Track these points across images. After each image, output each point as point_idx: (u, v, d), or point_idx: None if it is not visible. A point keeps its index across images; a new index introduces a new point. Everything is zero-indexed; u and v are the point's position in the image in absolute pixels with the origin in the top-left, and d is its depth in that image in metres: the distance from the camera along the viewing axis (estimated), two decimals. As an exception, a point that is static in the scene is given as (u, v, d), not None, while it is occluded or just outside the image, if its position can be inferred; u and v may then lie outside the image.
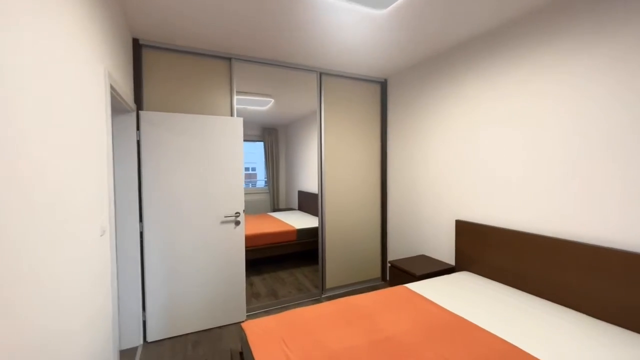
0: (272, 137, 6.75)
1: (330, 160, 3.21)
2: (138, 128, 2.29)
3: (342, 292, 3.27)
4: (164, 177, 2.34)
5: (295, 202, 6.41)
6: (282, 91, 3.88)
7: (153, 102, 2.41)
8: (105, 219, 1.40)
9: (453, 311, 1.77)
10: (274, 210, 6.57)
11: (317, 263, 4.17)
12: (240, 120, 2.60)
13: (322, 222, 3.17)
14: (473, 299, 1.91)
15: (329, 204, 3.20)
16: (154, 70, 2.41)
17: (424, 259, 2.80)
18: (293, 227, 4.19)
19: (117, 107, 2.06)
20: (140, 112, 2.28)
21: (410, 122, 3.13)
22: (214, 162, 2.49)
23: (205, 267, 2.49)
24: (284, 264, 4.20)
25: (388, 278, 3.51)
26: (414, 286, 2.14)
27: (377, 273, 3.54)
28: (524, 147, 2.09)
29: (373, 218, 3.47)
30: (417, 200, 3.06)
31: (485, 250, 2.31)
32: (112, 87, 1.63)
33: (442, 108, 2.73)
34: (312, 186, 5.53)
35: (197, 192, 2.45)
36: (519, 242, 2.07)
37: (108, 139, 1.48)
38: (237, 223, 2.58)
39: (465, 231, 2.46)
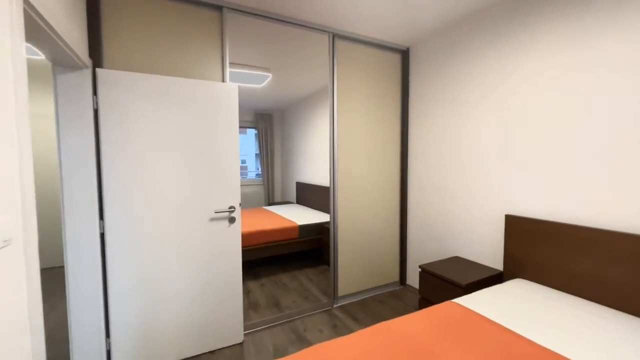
0: (266, 123, 6.13)
1: (344, 145, 2.66)
2: (95, 92, 1.68)
3: (356, 299, 2.76)
4: (133, 159, 1.75)
5: (292, 194, 5.84)
6: (283, 63, 3.29)
7: (117, 60, 1.79)
8: (11, 221, 0.82)
9: (537, 341, 1.27)
10: (270, 203, 5.99)
11: (322, 264, 3.66)
12: (235, 87, 2.01)
13: (334, 218, 2.64)
14: (554, 321, 1.43)
15: (342, 197, 2.67)
16: (117, 17, 1.79)
17: (459, 262, 2.30)
18: (294, 223, 3.65)
19: (60, 59, 1.45)
20: (98, 71, 1.67)
21: (439, 99, 2.61)
22: (201, 141, 1.91)
23: (190, 277, 1.92)
24: (285, 265, 3.66)
25: (407, 281, 3.02)
26: (466, 302, 1.64)
27: (395, 276, 3.04)
28: (603, 124, 1.59)
29: (391, 213, 2.96)
30: (448, 191, 2.55)
31: (548, 252, 1.83)
32: (37, 13, 1.03)
33: (480, 81, 2.21)
34: (312, 177, 4.97)
35: (179, 180, 1.86)
36: (600, 243, 1.59)
37: (20, 93, 0.89)
38: (232, 220, 2.01)
39: (519, 229, 1.98)
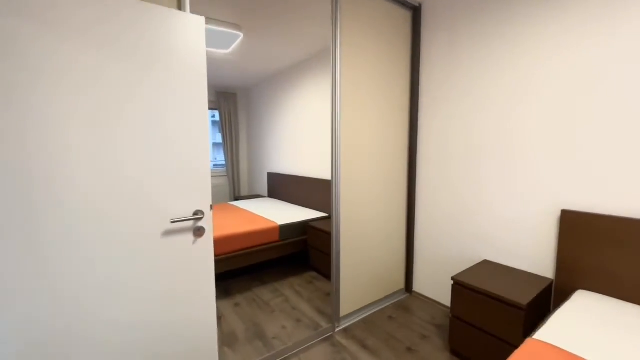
0: (230, 103, 5.22)
1: (348, 128, 2.03)
2: None
3: (361, 317, 2.21)
4: (18, 130, 0.96)
5: (263, 187, 5.08)
6: (260, 20, 2.53)
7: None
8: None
9: None
10: (236, 198, 5.18)
11: (308, 270, 3.04)
12: (201, 23, 1.27)
13: (336, 220, 2.03)
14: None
15: (346, 193, 2.07)
16: None
17: (493, 269, 1.86)
18: (274, 222, 2.98)
19: None
20: None
21: (460, 66, 2.10)
22: (146, 107, 1.16)
23: (131, 332, 1.19)
24: (263, 276, 2.99)
25: (414, 288, 2.55)
26: (556, 340, 1.16)
27: (400, 283, 2.56)
28: None
29: (397, 209, 2.44)
30: (470, 185, 2.09)
31: (619, 256, 1.43)
32: None
33: (518, 43, 1.74)
34: (290, 166, 4.24)
35: (106, 167, 1.11)
36: None
37: None
38: (199, 231, 1.30)
39: (580, 227, 1.56)
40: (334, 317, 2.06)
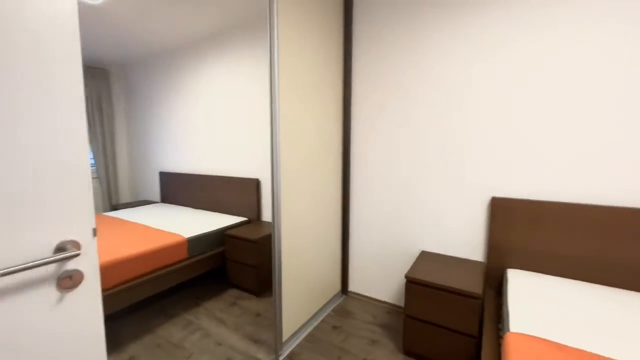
0: (100, 84, 3.92)
1: (286, 115, 1.66)
2: None
3: (304, 334, 1.91)
4: None
5: (153, 190, 4.05)
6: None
7: None
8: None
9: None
10: (114, 207, 3.97)
11: (229, 288, 2.47)
12: None
13: (277, 223, 1.64)
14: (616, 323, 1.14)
15: (286, 191, 1.70)
16: None
17: (434, 259, 1.88)
18: (179, 235, 2.33)
19: None
20: None
21: (393, 58, 2.04)
22: None
23: None
24: (169, 306, 2.30)
25: (349, 288, 2.42)
26: (531, 329, 1.15)
27: (337, 286, 2.38)
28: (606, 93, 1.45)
29: (334, 207, 2.23)
30: (405, 175, 2.07)
31: (542, 236, 1.62)
32: None
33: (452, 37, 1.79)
34: (190, 164, 3.44)
35: None
36: (605, 220, 1.46)
37: None
38: (71, 279, 0.72)
39: (506, 212, 1.70)
40: (275, 343, 1.68)
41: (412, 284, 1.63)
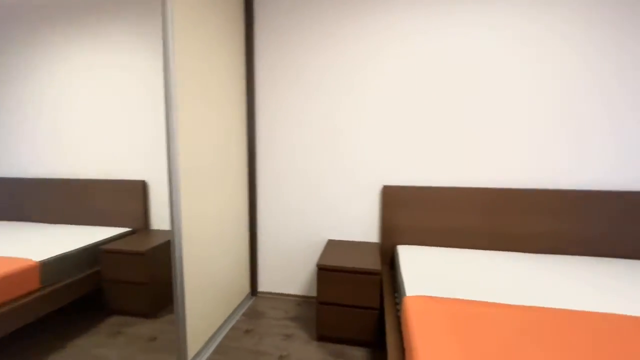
0: None
1: (184, 105, 1.45)
2: None
3: (214, 346, 1.74)
4: None
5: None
6: None
7: None
8: None
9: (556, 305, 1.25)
10: None
11: (107, 315, 1.96)
12: None
13: (177, 231, 1.42)
14: (504, 277, 1.51)
15: (187, 194, 1.50)
16: None
17: (341, 246, 2.03)
18: (27, 260, 1.75)
19: None
20: None
21: (291, 53, 2.10)
22: None
23: None
24: (24, 352, 1.69)
25: (259, 288, 2.37)
26: (425, 290, 1.38)
27: (246, 288, 2.27)
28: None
29: (240, 206, 2.12)
30: (308, 169, 2.17)
31: (423, 215, 1.97)
32: None
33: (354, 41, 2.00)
34: (38, 165, 2.55)
35: None
36: (464, 198, 1.91)
37: None
38: None
39: (395, 197, 2.00)
40: (180, 366, 1.47)
41: (324, 271, 1.72)
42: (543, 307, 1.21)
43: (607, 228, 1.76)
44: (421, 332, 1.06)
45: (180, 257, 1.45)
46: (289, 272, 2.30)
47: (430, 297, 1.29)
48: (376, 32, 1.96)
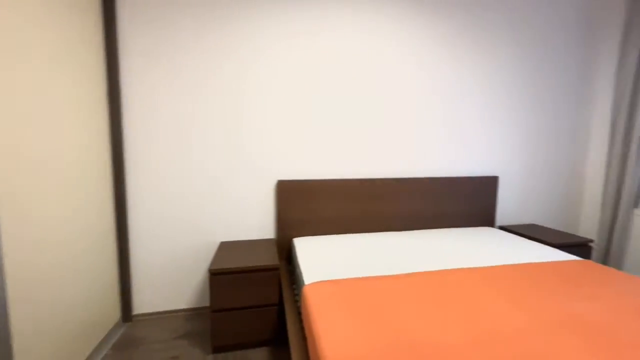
0: None
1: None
2: None
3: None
4: None
5: None
6: None
7: None
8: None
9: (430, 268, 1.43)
10: None
11: None
12: None
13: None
14: (364, 257, 1.67)
15: (9, 215, 1.07)
16: None
17: (234, 246, 1.90)
18: None
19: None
20: None
21: (170, 48, 1.84)
22: None
23: None
24: None
25: (134, 311, 1.97)
26: (322, 276, 1.41)
27: (115, 316, 1.84)
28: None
29: (98, 220, 1.68)
30: (195, 171, 1.95)
31: (316, 208, 2.06)
32: None
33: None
34: None
35: None
36: (347, 190, 2.09)
37: None
38: None
39: (288, 192, 2.01)
40: None
41: (217, 275, 1.56)
42: (417, 272, 1.44)
43: (457, 205, 2.26)
44: (321, 316, 1.08)
45: (4, 298, 1.02)
46: (175, 285, 1.99)
47: (327, 282, 1.34)
48: (267, 29, 1.92)
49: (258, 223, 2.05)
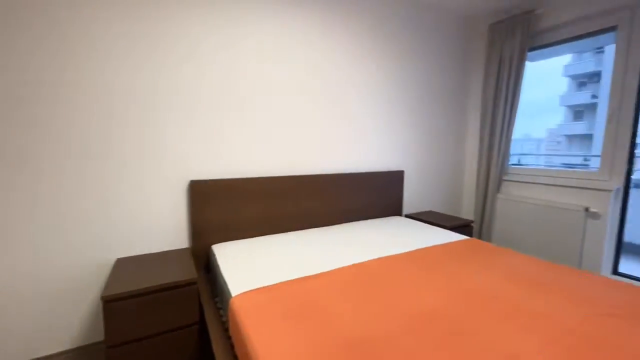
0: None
1: None
2: None
3: None
4: None
5: None
6: None
7: None
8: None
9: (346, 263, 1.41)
10: None
11: None
12: None
13: None
14: (312, 254, 1.62)
15: None
16: None
17: (137, 262, 1.58)
18: None
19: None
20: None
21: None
22: None
23: None
24: None
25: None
26: (249, 285, 1.28)
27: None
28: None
29: None
30: (80, 182, 1.54)
31: (234, 209, 1.89)
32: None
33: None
34: None
35: None
36: (268, 188, 2.00)
37: None
38: None
39: (203, 193, 1.79)
40: None
41: (113, 302, 1.25)
42: (344, 267, 1.46)
43: (372, 198, 2.42)
44: (256, 330, 0.98)
45: None
46: (50, 322, 1.53)
47: (256, 290, 1.24)
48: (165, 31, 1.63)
49: (168, 231, 1.76)
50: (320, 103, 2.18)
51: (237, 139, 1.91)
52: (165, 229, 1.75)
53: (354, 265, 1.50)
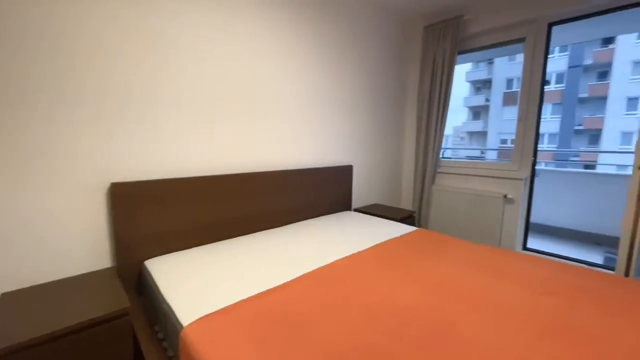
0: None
1: None
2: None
3: None
4: None
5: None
6: None
7: None
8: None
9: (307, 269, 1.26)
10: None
11: None
12: None
13: None
14: (267, 263, 1.43)
15: None
16: None
17: (34, 298, 1.18)
18: None
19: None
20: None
21: None
22: None
23: None
24: None
25: None
26: (198, 312, 1.06)
27: None
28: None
29: None
30: None
31: (168, 215, 1.59)
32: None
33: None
34: None
35: None
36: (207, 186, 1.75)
37: None
38: None
39: (129, 197, 1.45)
40: None
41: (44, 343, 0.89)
42: (305, 274, 1.34)
43: (322, 193, 2.34)
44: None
45: None
46: None
47: (214, 314, 1.03)
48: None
49: (82, 248, 1.37)
50: (260, 99, 1.97)
51: (169, 136, 1.60)
52: (79, 245, 1.36)
53: (319, 268, 1.40)
